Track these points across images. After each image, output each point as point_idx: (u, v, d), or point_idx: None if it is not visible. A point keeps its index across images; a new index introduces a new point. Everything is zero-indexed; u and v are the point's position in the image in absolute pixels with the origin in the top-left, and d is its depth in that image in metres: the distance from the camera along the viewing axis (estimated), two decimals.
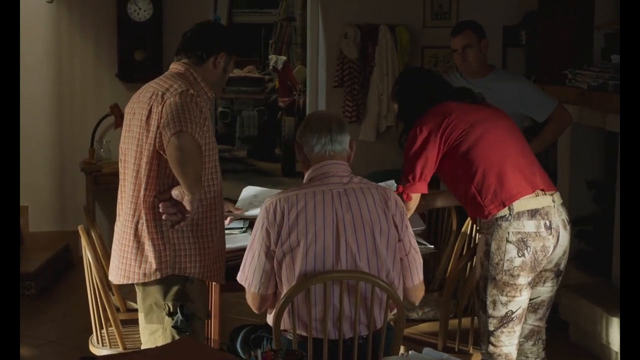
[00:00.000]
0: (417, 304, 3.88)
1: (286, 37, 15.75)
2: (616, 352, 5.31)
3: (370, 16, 7.97)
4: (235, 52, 4.06)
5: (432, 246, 4.60)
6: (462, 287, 4.30)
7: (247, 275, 3.63)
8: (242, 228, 4.59)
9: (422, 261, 3.77)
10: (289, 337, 3.60)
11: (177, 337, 3.82)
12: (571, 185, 6.30)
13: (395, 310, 3.65)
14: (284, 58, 14.16)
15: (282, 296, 3.54)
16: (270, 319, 3.71)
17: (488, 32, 5.46)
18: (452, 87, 4.45)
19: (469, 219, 4.70)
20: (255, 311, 3.73)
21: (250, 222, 4.65)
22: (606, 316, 5.38)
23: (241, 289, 3.75)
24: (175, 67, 3.98)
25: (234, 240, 4.41)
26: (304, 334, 3.56)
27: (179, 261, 3.87)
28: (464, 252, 4.74)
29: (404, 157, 4.19)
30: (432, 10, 8.06)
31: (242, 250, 4.08)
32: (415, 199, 4.23)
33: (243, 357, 3.85)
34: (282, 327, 3.59)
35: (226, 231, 4.52)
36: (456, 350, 4.20)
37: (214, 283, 4.30)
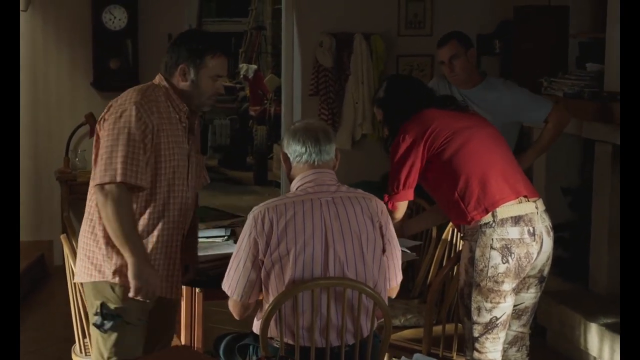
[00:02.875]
0: (394, 297, 3.91)
1: (256, 46, 15.75)
2: (594, 357, 5.35)
3: (346, 25, 7.99)
4: (199, 61, 3.76)
5: (414, 253, 4.62)
6: (446, 294, 4.32)
7: (231, 283, 3.63)
8: (224, 236, 4.59)
9: (401, 263, 3.81)
10: (275, 345, 3.60)
11: (100, 336, 3.78)
12: (547, 192, 6.33)
13: (382, 319, 3.67)
14: (254, 67, 14.16)
15: (269, 303, 3.54)
16: (256, 327, 3.71)
17: None
18: (436, 94, 4.47)
19: (449, 226, 4.74)
20: (237, 317, 3.74)
21: (232, 231, 4.65)
22: (584, 322, 5.42)
23: (222, 297, 3.75)
24: (157, 76, 3.91)
25: (217, 247, 4.41)
26: (290, 342, 3.57)
27: (107, 267, 3.76)
28: (444, 260, 4.77)
29: (390, 163, 4.22)
30: (406, 19, 8.09)
31: (224, 258, 4.09)
32: (401, 207, 4.26)
33: None
34: (268, 335, 3.60)
35: (208, 239, 4.53)
36: (440, 356, 4.22)
37: (197, 290, 4.30)
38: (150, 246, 3.77)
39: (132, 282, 3.64)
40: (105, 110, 3.76)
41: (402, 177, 4.14)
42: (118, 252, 3.70)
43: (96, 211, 3.74)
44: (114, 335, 3.76)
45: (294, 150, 3.69)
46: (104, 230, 3.71)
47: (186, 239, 3.98)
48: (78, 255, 3.87)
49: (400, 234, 4.34)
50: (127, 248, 3.63)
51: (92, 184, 3.70)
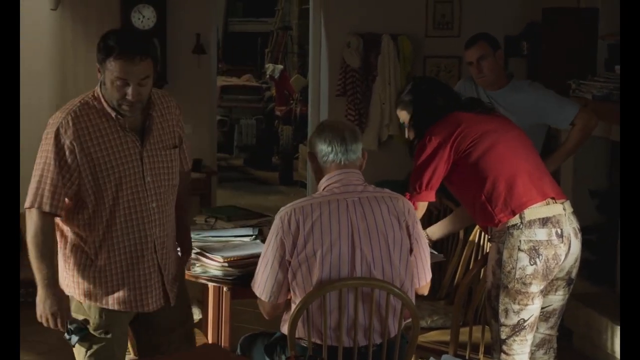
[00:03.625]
0: (425, 294, 3.92)
1: (282, 46, 15.77)
2: None
3: (373, 26, 7.98)
4: (104, 59, 3.50)
5: (442, 255, 4.63)
6: (473, 296, 4.31)
7: (260, 283, 3.66)
8: (251, 235, 4.60)
9: (429, 263, 3.82)
10: (303, 344, 3.61)
11: (74, 349, 3.76)
12: (574, 194, 6.31)
13: (409, 320, 3.67)
14: (280, 67, 14.18)
15: (296, 304, 3.55)
16: (284, 327, 3.73)
17: None
18: (461, 97, 4.46)
19: (476, 228, 4.73)
20: (266, 317, 3.77)
21: (260, 230, 4.66)
22: (611, 325, 5.41)
23: (249, 296, 3.79)
24: None
25: (244, 247, 4.42)
26: (318, 341, 3.58)
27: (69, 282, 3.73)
28: (471, 261, 4.76)
29: (413, 166, 4.21)
30: (434, 20, 8.08)
31: (252, 257, 4.11)
32: (421, 207, 4.25)
33: None
34: (296, 335, 3.61)
35: (236, 238, 4.54)
36: (467, 358, 4.21)
37: (224, 289, 4.31)
38: (101, 262, 3.65)
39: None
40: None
41: (425, 177, 4.14)
42: (84, 276, 3.68)
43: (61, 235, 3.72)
44: (83, 348, 3.73)
45: (320, 149, 3.71)
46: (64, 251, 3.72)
47: (177, 231, 3.91)
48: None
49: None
50: (35, 273, 3.56)
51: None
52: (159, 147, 3.72)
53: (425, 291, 3.88)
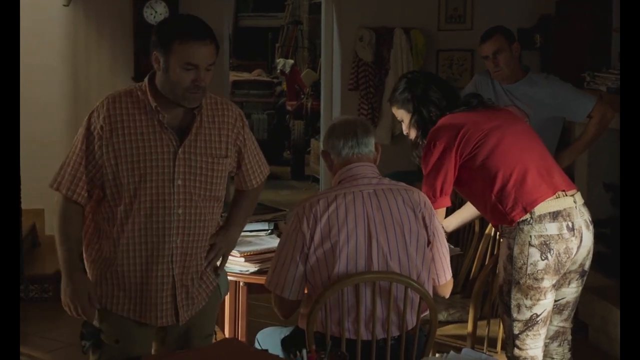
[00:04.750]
0: (447, 296, 3.90)
1: (293, 41, 15.77)
2: None
3: (386, 19, 7.97)
4: (169, 43, 3.35)
5: (458, 248, 4.62)
6: (490, 290, 4.30)
7: (279, 280, 3.61)
8: (267, 230, 4.60)
9: (449, 259, 3.80)
10: (319, 338, 3.61)
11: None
12: (589, 187, 6.30)
13: (426, 312, 3.67)
14: (291, 61, 14.17)
15: (315, 298, 3.55)
16: (302, 321, 3.73)
17: None
18: (458, 91, 4.41)
19: None
20: (282, 317, 3.73)
21: (275, 224, 4.66)
22: None
23: (266, 291, 3.74)
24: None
25: (260, 242, 4.43)
26: (336, 335, 3.57)
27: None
28: (487, 255, 4.76)
29: (423, 171, 4.14)
30: (446, 14, 8.07)
31: (268, 252, 4.11)
32: (439, 214, 4.21)
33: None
34: (314, 329, 3.60)
35: (252, 233, 4.54)
36: (484, 352, 4.20)
37: (241, 284, 4.31)
38: (116, 262, 3.49)
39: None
40: None
41: (437, 185, 4.08)
42: (99, 273, 3.54)
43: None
44: (95, 356, 3.59)
45: (333, 145, 3.72)
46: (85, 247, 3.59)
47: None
48: None
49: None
50: (59, 258, 3.48)
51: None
52: (201, 152, 3.50)
53: (446, 292, 3.85)
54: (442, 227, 4.36)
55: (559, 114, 5.21)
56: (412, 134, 4.28)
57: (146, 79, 3.48)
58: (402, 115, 4.29)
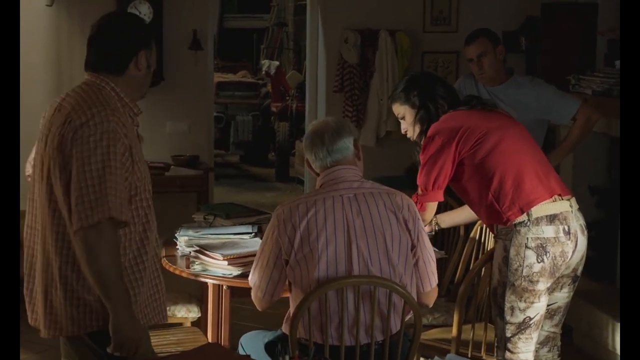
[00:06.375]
0: (430, 306, 3.89)
1: (278, 42, 15.74)
2: None
3: (371, 21, 7.94)
4: (153, 42, 3.36)
5: (443, 251, 4.60)
6: (475, 293, 4.29)
7: (256, 279, 3.68)
8: (251, 233, 4.57)
9: (435, 265, 3.78)
10: (304, 343, 3.58)
11: None
12: (574, 190, 6.26)
13: (410, 315, 3.64)
14: (276, 63, 14.14)
15: (297, 303, 3.52)
16: (285, 326, 3.70)
17: None
18: (459, 93, 4.43)
19: (477, 224, 4.70)
20: (259, 309, 3.77)
21: (259, 227, 4.63)
22: (612, 322, 5.38)
23: (249, 295, 3.79)
24: (92, 79, 3.28)
25: (243, 244, 4.40)
26: (319, 341, 3.55)
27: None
28: (472, 258, 4.74)
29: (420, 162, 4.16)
30: (432, 16, 8.05)
31: (252, 255, 4.08)
32: (430, 208, 4.20)
33: None
34: (297, 335, 3.58)
35: (236, 236, 4.52)
36: (469, 356, 4.19)
37: (224, 287, 4.28)
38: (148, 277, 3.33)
39: (112, 337, 3.13)
40: (64, 123, 3.17)
41: (431, 177, 4.08)
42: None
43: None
44: None
45: (308, 155, 3.74)
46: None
47: None
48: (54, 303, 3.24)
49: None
50: (113, 299, 3.10)
51: (76, 224, 3.06)
52: None
53: (429, 301, 3.82)
54: (436, 222, 4.37)
55: (543, 116, 5.22)
56: (416, 131, 4.27)
57: (112, 84, 3.27)
58: (405, 111, 4.27)
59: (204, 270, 4.17)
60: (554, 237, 3.92)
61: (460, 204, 4.69)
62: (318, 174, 3.75)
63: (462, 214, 4.60)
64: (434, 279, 3.76)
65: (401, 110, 4.30)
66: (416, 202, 4.09)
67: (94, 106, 3.16)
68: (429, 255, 3.72)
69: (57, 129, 3.17)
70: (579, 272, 4.11)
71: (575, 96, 5.54)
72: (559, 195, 4.00)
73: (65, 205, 3.12)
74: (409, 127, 4.28)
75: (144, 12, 7.44)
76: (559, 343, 4.25)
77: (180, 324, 4.96)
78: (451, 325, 4.26)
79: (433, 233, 4.53)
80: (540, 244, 3.91)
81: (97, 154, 3.09)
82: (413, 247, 3.64)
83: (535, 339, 4.04)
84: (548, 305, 4.08)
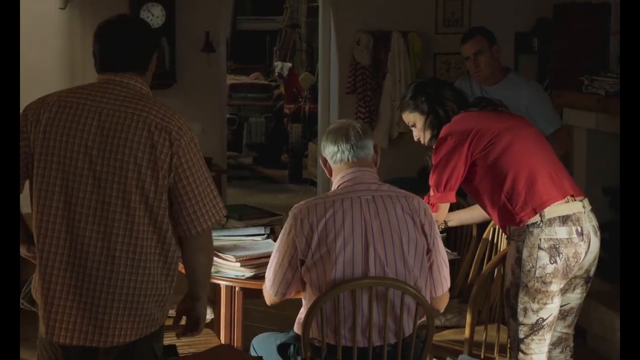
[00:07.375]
0: (441, 311, 3.89)
1: (291, 44, 15.77)
2: None
3: (383, 23, 7.96)
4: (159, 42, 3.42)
5: (456, 252, 4.60)
6: (487, 294, 4.28)
7: (270, 276, 3.70)
8: (263, 235, 4.58)
9: (448, 271, 3.78)
10: (317, 344, 3.59)
11: None
12: (587, 191, 6.25)
13: (423, 319, 3.64)
14: (289, 65, 14.17)
15: (310, 304, 3.53)
16: (298, 326, 3.71)
17: (500, 39, 5.46)
18: (467, 96, 4.43)
19: (490, 225, 4.70)
20: (268, 304, 3.82)
21: (272, 229, 4.64)
22: None
23: (261, 296, 3.84)
24: (128, 81, 3.28)
25: (256, 246, 4.40)
26: (332, 342, 3.55)
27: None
28: (485, 258, 4.73)
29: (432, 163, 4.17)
30: (444, 17, 8.07)
31: (265, 257, 4.08)
32: (442, 209, 4.21)
33: None
34: (310, 335, 3.58)
35: (248, 238, 4.52)
36: (482, 357, 4.18)
37: (236, 289, 4.29)
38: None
39: (201, 322, 3.35)
40: (177, 126, 3.20)
41: (443, 178, 4.09)
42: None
43: (177, 249, 3.25)
44: None
45: (329, 151, 3.72)
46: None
47: None
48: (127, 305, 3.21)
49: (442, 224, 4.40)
50: (205, 289, 3.36)
51: (205, 224, 3.24)
52: None
53: (441, 306, 3.82)
54: (445, 222, 4.37)
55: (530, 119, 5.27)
56: (427, 136, 4.28)
57: (144, 84, 3.33)
58: (415, 118, 4.29)
59: (216, 272, 4.16)
60: (566, 238, 3.92)
61: (470, 203, 4.70)
62: (331, 174, 3.75)
63: (470, 213, 4.61)
64: (446, 284, 3.77)
65: (411, 117, 4.31)
66: (428, 203, 4.09)
67: (175, 112, 3.22)
68: (443, 260, 3.73)
69: (135, 132, 3.14)
70: (591, 274, 4.11)
71: (559, 119, 5.57)
72: (572, 196, 4.00)
73: (174, 211, 3.21)
74: (420, 134, 4.30)
75: (157, 14, 7.47)
76: (572, 344, 4.25)
77: None
78: (464, 327, 4.26)
79: (445, 235, 4.53)
80: (553, 245, 3.91)
81: (200, 157, 3.26)
82: (428, 250, 3.64)
83: (548, 340, 4.03)
84: (561, 307, 4.08)
